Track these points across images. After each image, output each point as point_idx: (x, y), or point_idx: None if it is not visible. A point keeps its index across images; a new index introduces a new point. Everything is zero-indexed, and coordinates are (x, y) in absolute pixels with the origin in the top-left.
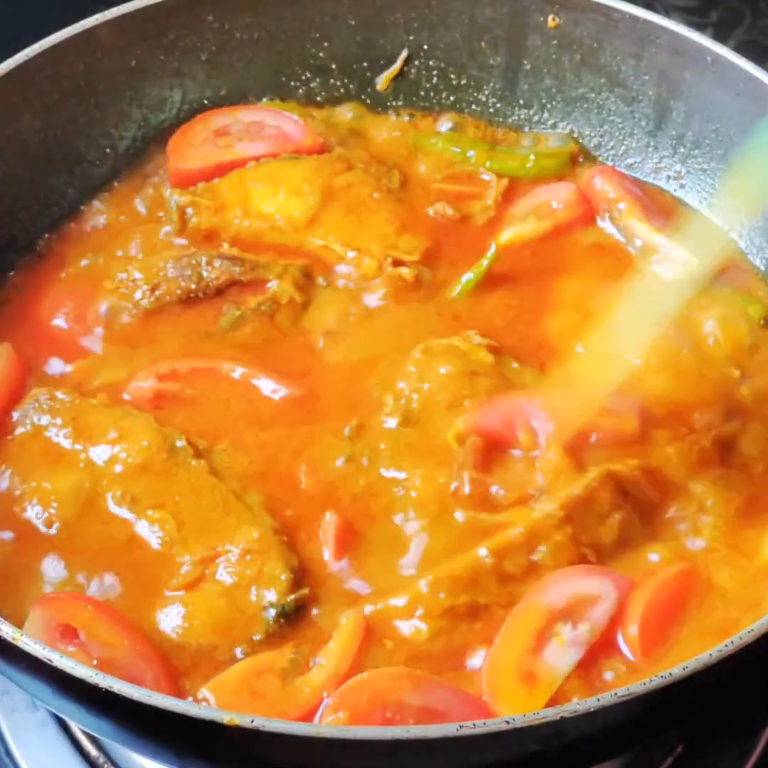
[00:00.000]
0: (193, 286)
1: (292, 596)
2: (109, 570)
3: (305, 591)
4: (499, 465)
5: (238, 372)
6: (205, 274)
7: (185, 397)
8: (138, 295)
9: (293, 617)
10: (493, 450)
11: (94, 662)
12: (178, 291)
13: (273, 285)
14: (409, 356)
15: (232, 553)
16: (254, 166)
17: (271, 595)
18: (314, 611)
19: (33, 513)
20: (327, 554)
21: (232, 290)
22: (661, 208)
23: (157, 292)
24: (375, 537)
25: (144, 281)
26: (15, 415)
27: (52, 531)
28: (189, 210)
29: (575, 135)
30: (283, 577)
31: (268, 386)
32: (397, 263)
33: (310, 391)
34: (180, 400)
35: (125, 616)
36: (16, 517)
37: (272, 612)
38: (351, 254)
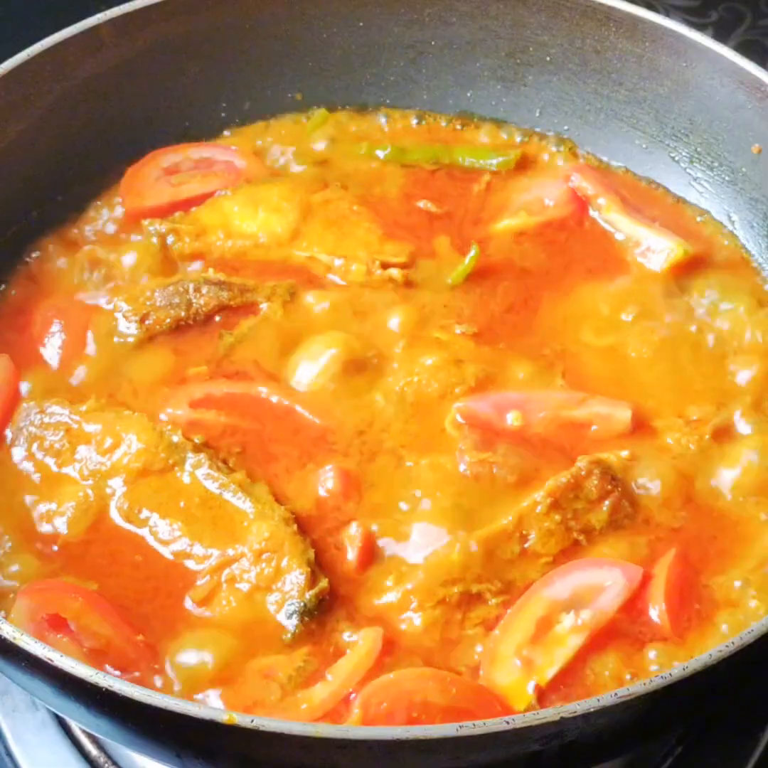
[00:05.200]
0: (183, 314)
1: (311, 592)
2: (128, 587)
3: (325, 584)
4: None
5: (273, 398)
6: (194, 301)
7: (220, 424)
8: (128, 326)
9: (316, 613)
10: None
11: (85, 651)
12: (169, 320)
13: (264, 307)
14: (394, 353)
15: (246, 557)
16: (230, 193)
17: (292, 594)
18: (339, 624)
19: (45, 534)
20: (350, 555)
21: (222, 315)
22: (644, 201)
23: (147, 322)
24: (391, 533)
25: (132, 312)
26: (9, 433)
27: (66, 549)
28: (170, 238)
29: (575, 135)
30: (300, 572)
31: (299, 412)
32: (385, 266)
33: (329, 413)
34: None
35: (114, 606)
36: (34, 538)
37: (295, 617)
38: (338, 262)
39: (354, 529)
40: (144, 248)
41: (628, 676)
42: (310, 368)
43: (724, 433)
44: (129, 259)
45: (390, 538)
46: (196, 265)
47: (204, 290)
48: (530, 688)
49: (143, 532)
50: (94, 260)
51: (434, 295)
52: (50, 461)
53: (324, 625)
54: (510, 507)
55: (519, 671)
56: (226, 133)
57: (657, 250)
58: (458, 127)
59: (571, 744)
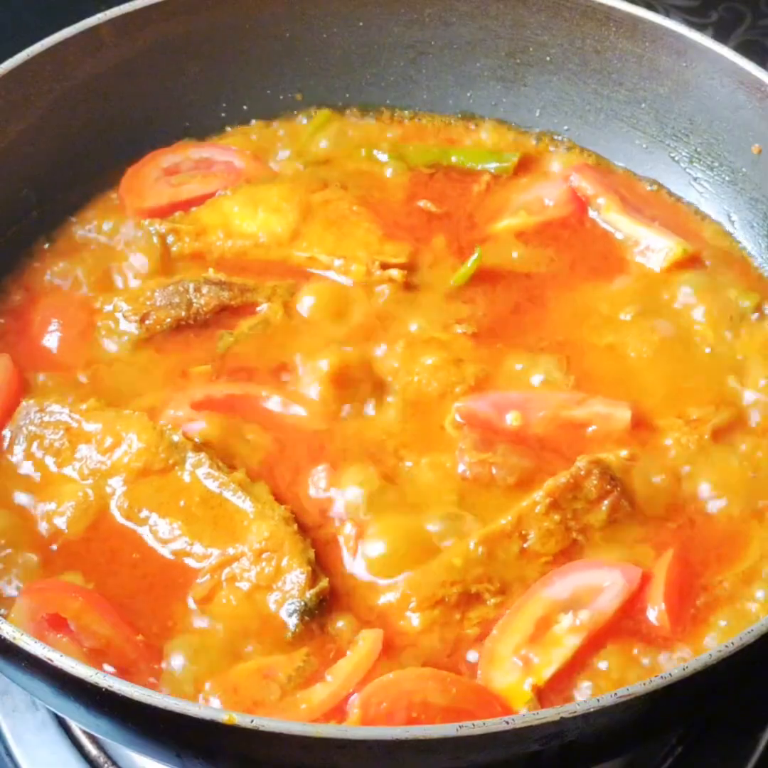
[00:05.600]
0: (183, 314)
1: (312, 591)
2: (127, 585)
3: (325, 583)
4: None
5: (274, 399)
6: (194, 301)
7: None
8: (129, 326)
9: (317, 612)
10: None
11: (85, 651)
12: (169, 320)
13: (263, 308)
14: (394, 352)
15: (246, 556)
16: (230, 193)
17: (292, 593)
18: (338, 624)
19: (46, 533)
20: (347, 559)
21: (222, 315)
22: (644, 201)
23: (147, 322)
24: (390, 533)
25: (132, 312)
26: (7, 433)
27: (65, 548)
28: (170, 238)
29: (575, 135)
30: (301, 572)
31: (300, 413)
32: (385, 266)
33: (329, 412)
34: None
35: (114, 604)
36: (34, 537)
37: (295, 616)
38: (338, 262)
39: (351, 529)
40: (144, 248)
41: (627, 676)
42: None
43: (723, 433)
44: (129, 259)
45: (389, 538)
46: (196, 266)
47: (204, 290)
48: (526, 687)
49: (143, 531)
50: (94, 260)
51: (434, 294)
52: (50, 460)
53: (324, 625)
54: (509, 507)
55: (517, 671)
56: (226, 133)
57: (656, 249)
58: (458, 127)
59: (571, 744)
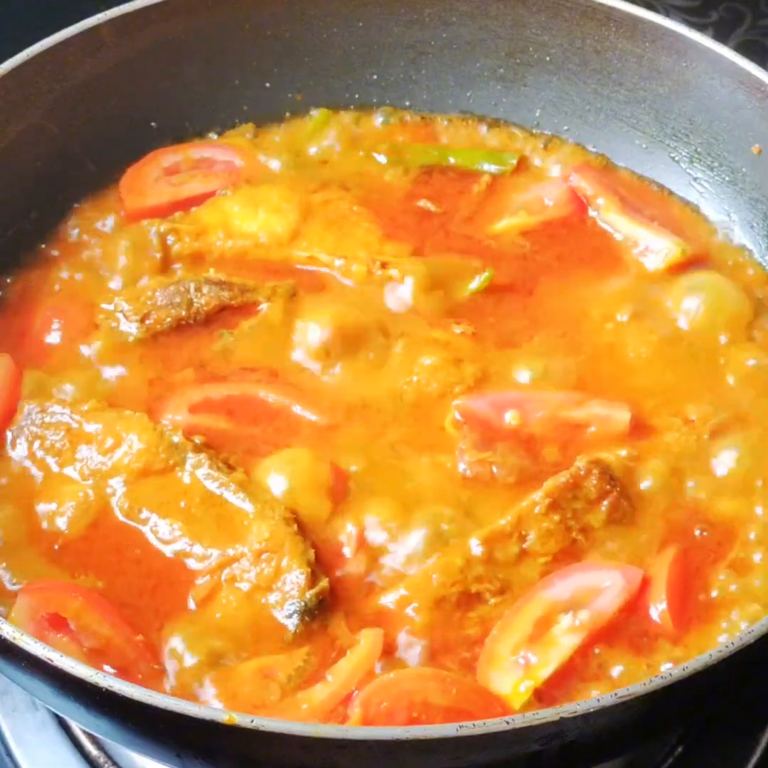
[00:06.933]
0: (183, 313)
1: (312, 591)
2: (128, 584)
3: (325, 584)
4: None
5: (271, 398)
6: (194, 300)
7: (220, 428)
8: (130, 326)
9: (317, 613)
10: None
11: (85, 651)
12: (169, 319)
13: (263, 307)
14: (393, 353)
15: (246, 557)
16: (230, 193)
17: (292, 593)
18: (339, 624)
19: (46, 533)
20: (349, 555)
21: (222, 315)
22: (644, 201)
23: (147, 322)
24: (390, 533)
25: (133, 312)
26: (10, 434)
27: (66, 547)
28: (170, 238)
29: (575, 135)
30: (300, 572)
31: (299, 412)
32: (385, 266)
33: (329, 412)
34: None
35: (114, 604)
36: (35, 537)
37: (295, 617)
38: (339, 262)
39: (352, 529)
40: (144, 248)
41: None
42: (311, 336)
43: (722, 433)
44: (129, 259)
45: (389, 538)
46: (196, 266)
47: (205, 290)
48: (523, 687)
49: (143, 531)
50: (95, 260)
51: (434, 295)
52: (51, 461)
53: (324, 625)
54: (509, 507)
55: (515, 671)
56: (225, 133)
57: (655, 249)
58: (458, 127)
59: (571, 744)
